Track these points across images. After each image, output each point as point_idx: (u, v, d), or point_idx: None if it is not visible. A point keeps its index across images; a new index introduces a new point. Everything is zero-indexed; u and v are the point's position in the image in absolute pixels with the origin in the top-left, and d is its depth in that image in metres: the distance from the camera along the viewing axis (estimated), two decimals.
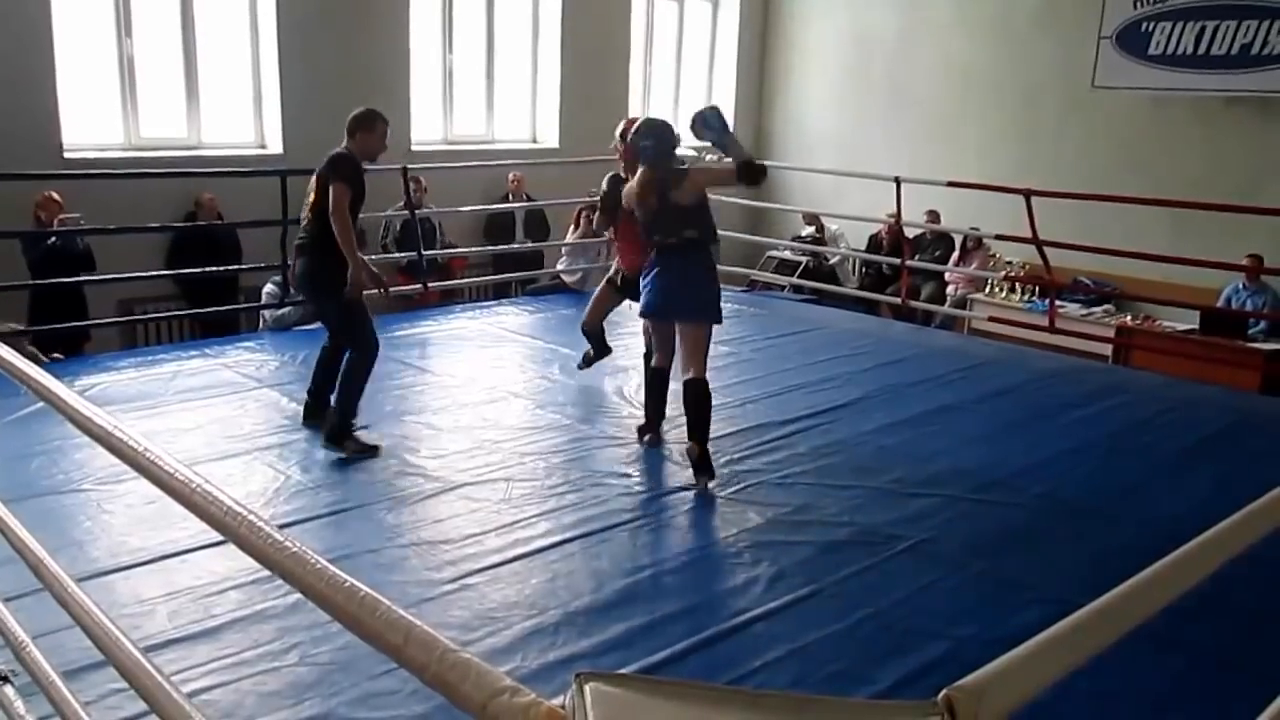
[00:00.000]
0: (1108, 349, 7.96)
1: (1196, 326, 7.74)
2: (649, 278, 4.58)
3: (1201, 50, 8.21)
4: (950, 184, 8.01)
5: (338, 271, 4.58)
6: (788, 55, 11.18)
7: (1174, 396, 6.09)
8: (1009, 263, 9.07)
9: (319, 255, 4.64)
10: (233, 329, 7.18)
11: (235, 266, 7.17)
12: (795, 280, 9.55)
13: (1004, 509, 4.29)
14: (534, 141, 9.69)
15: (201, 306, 7.07)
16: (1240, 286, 7.88)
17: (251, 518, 1.31)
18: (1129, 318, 8.40)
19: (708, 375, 4.50)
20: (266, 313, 7.02)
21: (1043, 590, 3.48)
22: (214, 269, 6.86)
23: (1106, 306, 8.67)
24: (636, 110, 10.37)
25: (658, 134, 4.52)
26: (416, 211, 7.56)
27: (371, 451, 4.61)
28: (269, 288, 7.01)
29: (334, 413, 4.67)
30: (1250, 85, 8.04)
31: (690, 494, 4.29)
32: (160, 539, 3.62)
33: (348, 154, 4.67)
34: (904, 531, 3.97)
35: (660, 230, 4.52)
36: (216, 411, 5.15)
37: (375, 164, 5.01)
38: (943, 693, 0.84)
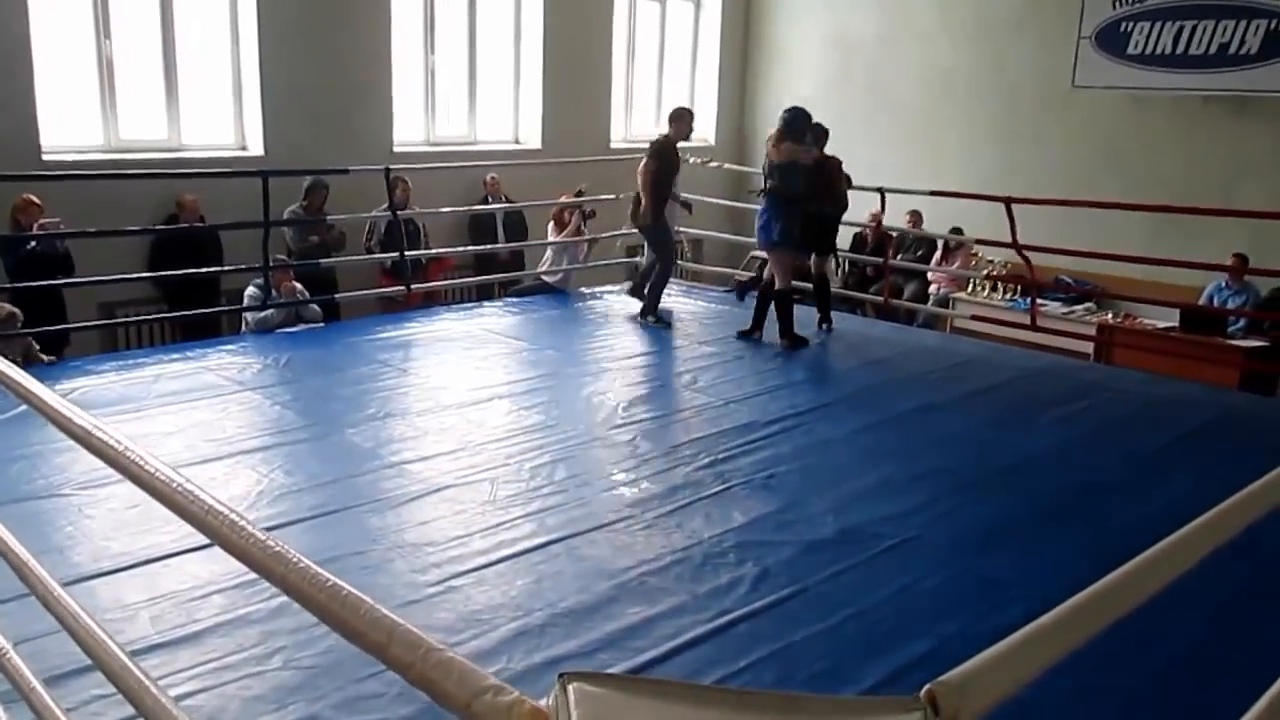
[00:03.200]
0: (1089, 347, 8.01)
1: (1177, 324, 7.81)
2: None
3: (1180, 50, 8.29)
4: (934, 194, 8.05)
5: (657, 212, 7.19)
6: (769, 56, 11.21)
7: (1155, 393, 6.14)
8: (991, 262, 9.12)
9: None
10: (214, 331, 7.12)
11: (217, 268, 7.13)
12: None
13: (986, 506, 4.31)
14: (516, 142, 9.67)
15: (183, 309, 7.01)
16: (1223, 285, 7.96)
17: (235, 519, 1.30)
18: (1110, 316, 8.46)
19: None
20: (248, 315, 6.98)
21: (1025, 587, 3.49)
22: (195, 271, 6.82)
23: (1088, 305, 8.73)
24: (619, 111, 10.40)
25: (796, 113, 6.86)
26: (400, 213, 7.54)
27: (666, 326, 7.20)
28: (251, 290, 6.96)
29: (647, 297, 7.39)
30: (1228, 85, 8.12)
31: (675, 495, 4.30)
32: (143, 543, 3.60)
33: (663, 139, 7.16)
34: (887, 530, 3.99)
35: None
36: (199, 415, 5.11)
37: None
38: (925, 687, 0.84)
